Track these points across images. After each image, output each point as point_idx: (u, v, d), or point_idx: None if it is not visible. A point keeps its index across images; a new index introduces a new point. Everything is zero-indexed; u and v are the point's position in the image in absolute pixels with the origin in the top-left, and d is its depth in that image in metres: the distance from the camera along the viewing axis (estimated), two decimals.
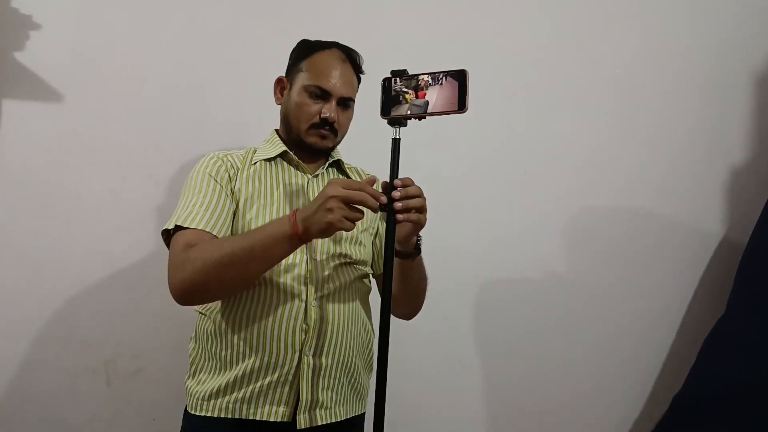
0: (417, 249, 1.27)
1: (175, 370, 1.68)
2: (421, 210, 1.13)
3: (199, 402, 1.23)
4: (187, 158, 1.79)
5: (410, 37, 1.92)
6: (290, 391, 1.21)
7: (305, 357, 1.22)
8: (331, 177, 1.42)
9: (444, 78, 1.07)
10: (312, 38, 1.44)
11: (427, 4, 1.95)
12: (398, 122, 1.11)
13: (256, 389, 1.20)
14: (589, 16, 1.98)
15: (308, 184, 1.35)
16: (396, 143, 1.12)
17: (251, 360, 1.21)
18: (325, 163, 1.41)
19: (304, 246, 1.25)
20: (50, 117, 1.76)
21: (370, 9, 1.93)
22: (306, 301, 1.24)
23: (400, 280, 1.30)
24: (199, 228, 1.19)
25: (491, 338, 1.90)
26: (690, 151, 1.95)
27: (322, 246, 1.29)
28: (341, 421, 1.27)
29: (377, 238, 1.46)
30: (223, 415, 1.21)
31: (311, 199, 1.33)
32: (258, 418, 1.20)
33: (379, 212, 1.26)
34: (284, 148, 1.37)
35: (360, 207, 1.07)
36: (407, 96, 1.10)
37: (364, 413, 1.38)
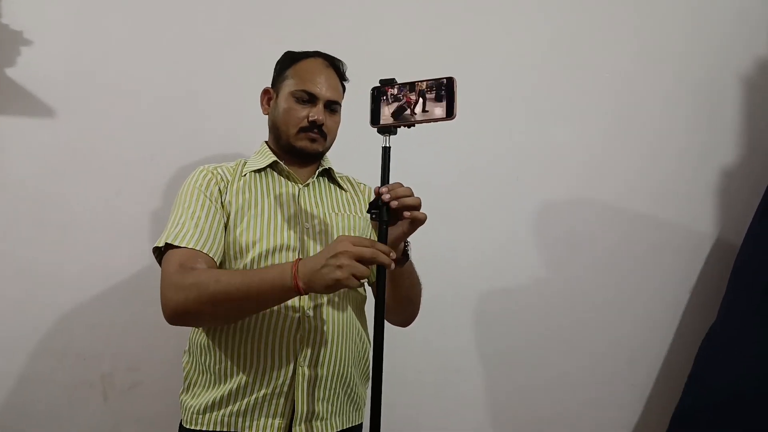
0: (405, 255, 1.24)
1: (173, 384, 1.67)
2: (418, 207, 1.11)
3: (194, 416, 1.23)
4: (183, 169, 1.80)
5: (407, 44, 1.92)
6: (285, 403, 1.21)
7: (300, 368, 1.21)
8: (322, 186, 1.41)
9: (432, 86, 1.07)
10: (307, 47, 1.45)
11: (423, 11, 1.95)
12: (388, 131, 1.11)
13: (251, 402, 1.20)
14: (584, 24, 1.99)
15: (299, 194, 1.35)
16: (386, 151, 1.11)
17: (245, 372, 1.20)
18: (315, 172, 1.41)
19: (300, 253, 1.26)
20: (44, 130, 1.76)
21: (367, 17, 1.93)
22: (300, 312, 1.23)
23: (391, 287, 1.27)
24: (190, 246, 1.18)
25: (488, 346, 1.90)
26: (684, 155, 1.94)
27: None
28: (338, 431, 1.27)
29: None
30: (218, 429, 1.20)
31: (302, 209, 1.32)
32: (254, 431, 1.19)
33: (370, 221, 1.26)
34: (274, 158, 1.37)
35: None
36: (396, 105, 1.10)
37: (361, 423, 1.38)
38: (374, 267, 1.38)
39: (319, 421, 1.23)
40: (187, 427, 1.24)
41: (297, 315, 1.22)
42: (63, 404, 1.72)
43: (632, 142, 1.95)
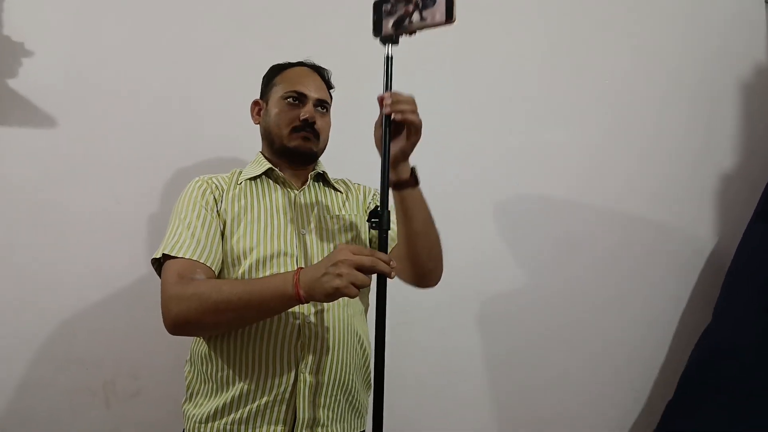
0: (414, 178, 1.23)
1: (175, 391, 1.68)
2: (413, 111, 1.13)
3: (196, 425, 1.23)
4: (181, 174, 1.81)
5: (404, 46, 1.92)
6: (287, 410, 1.22)
7: (301, 375, 1.22)
8: (318, 190, 1.42)
9: None
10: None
11: None
12: (390, 40, 1.13)
13: (253, 409, 1.21)
14: (582, 27, 2.01)
15: (295, 199, 1.36)
16: (389, 60, 1.14)
17: (247, 380, 1.21)
18: (310, 177, 1.42)
19: (298, 260, 1.27)
20: (43, 138, 1.77)
21: (361, 20, 1.93)
22: (301, 319, 1.24)
23: (404, 220, 1.24)
24: (187, 257, 1.19)
25: (488, 348, 1.91)
26: (680, 159, 1.97)
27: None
28: None
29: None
30: None
31: (299, 214, 1.34)
32: None
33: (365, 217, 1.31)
34: (269, 165, 1.38)
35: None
36: (397, 15, 1.12)
37: (363, 431, 1.38)
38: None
39: (320, 427, 1.24)
40: None
41: (298, 322, 1.23)
42: (65, 411, 1.73)
43: (630, 144, 1.97)
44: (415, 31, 1.11)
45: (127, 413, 1.75)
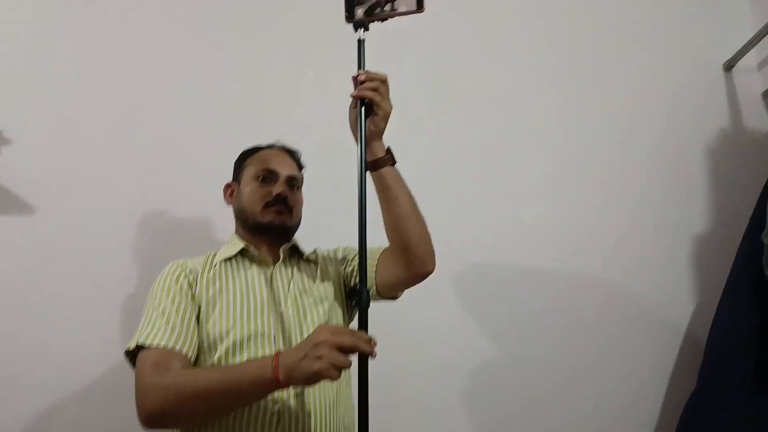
0: (390, 155, 1.26)
1: None
2: (376, 89, 1.18)
3: None
4: (161, 260, 1.78)
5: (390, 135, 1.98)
6: None
7: None
8: (293, 265, 1.41)
9: None
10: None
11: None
12: (362, 24, 1.20)
13: None
14: (564, 103, 2.09)
15: (271, 276, 1.35)
16: (361, 43, 1.22)
17: None
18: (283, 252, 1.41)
19: (276, 339, 1.24)
20: (23, 227, 1.77)
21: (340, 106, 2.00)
22: (280, 403, 1.20)
23: (387, 201, 1.25)
24: (162, 345, 1.16)
25: (473, 420, 1.86)
26: (659, 227, 1.99)
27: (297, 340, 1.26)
28: None
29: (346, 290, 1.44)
30: None
31: (275, 293, 1.32)
32: None
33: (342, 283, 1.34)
34: (243, 245, 1.38)
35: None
36: (368, 3, 1.19)
37: None
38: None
39: None
40: None
41: (277, 407, 1.19)
42: None
43: (610, 216, 2.00)
44: (386, 18, 1.19)
45: None
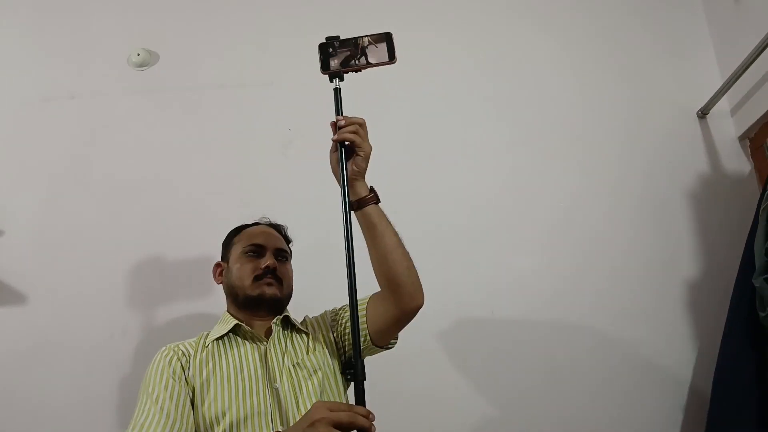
0: (374, 194, 1.29)
1: None
2: (355, 132, 1.23)
3: None
4: (154, 344, 1.76)
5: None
6: None
7: None
8: (285, 338, 1.38)
9: (374, 39, 1.25)
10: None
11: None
12: (337, 75, 1.25)
13: None
14: (535, 156, 2.13)
15: (265, 352, 1.34)
16: (337, 92, 1.27)
17: None
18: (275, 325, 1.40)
19: (273, 417, 1.22)
20: (15, 317, 1.76)
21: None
22: None
23: (374, 238, 1.27)
24: None
25: None
26: (648, 273, 2.00)
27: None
28: None
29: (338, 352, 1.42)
30: None
31: (270, 368, 1.30)
32: None
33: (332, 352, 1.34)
34: (235, 321, 1.37)
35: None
36: (343, 55, 1.25)
37: None
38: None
39: None
40: None
41: None
42: None
43: (599, 265, 2.01)
44: (360, 69, 1.25)
45: None
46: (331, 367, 1.37)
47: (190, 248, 1.92)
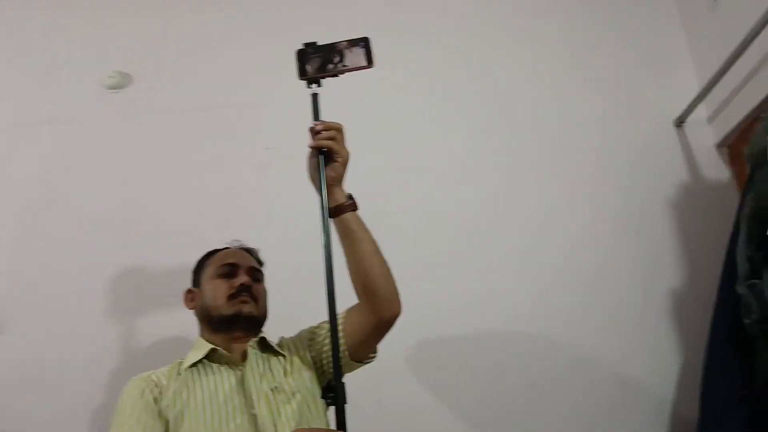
0: (352, 201, 1.27)
1: None
2: (333, 138, 1.22)
3: None
4: (130, 373, 1.73)
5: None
6: None
7: None
8: (261, 361, 1.35)
9: (351, 44, 1.24)
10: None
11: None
12: (315, 81, 1.25)
13: None
14: (517, 175, 2.12)
15: (243, 378, 1.30)
16: (315, 97, 1.26)
17: None
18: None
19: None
20: None
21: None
22: None
23: (351, 244, 1.26)
24: None
25: None
26: (631, 284, 1.99)
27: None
28: None
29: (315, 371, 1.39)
30: None
31: (247, 394, 1.27)
32: None
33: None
34: (210, 346, 1.33)
35: None
36: (320, 61, 1.24)
37: None
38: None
39: None
40: None
41: None
42: None
43: (580, 277, 1.99)
44: (337, 74, 1.24)
45: None
46: (310, 389, 1.33)
47: (169, 271, 1.89)
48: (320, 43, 1.26)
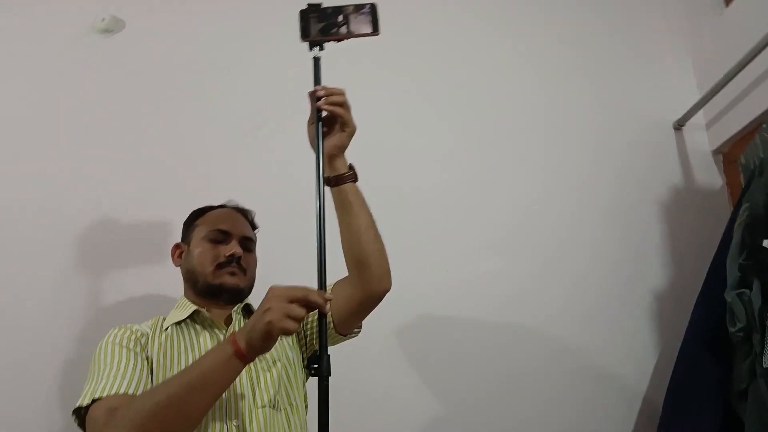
0: (353, 171, 1.24)
1: None
2: (341, 104, 1.17)
3: None
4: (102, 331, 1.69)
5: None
6: None
7: None
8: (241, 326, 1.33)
9: (358, 9, 1.19)
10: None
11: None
12: (317, 44, 1.19)
13: None
14: (503, 161, 2.10)
15: None
16: (317, 61, 1.20)
17: None
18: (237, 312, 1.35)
19: (228, 408, 1.17)
20: None
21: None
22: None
23: (347, 217, 1.23)
24: (114, 392, 1.08)
25: None
26: (613, 281, 2.00)
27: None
28: None
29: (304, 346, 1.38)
30: None
31: None
32: None
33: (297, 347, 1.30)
34: (195, 307, 1.31)
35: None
36: (324, 23, 1.18)
37: None
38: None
39: None
40: None
41: None
42: None
43: (564, 270, 2.00)
44: (341, 39, 1.19)
45: None
46: (291, 358, 1.32)
47: (150, 226, 1.83)
48: (325, 4, 1.20)
